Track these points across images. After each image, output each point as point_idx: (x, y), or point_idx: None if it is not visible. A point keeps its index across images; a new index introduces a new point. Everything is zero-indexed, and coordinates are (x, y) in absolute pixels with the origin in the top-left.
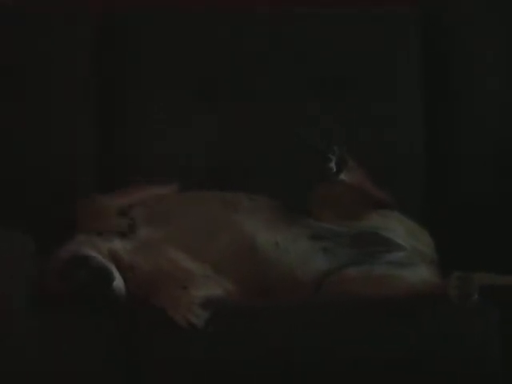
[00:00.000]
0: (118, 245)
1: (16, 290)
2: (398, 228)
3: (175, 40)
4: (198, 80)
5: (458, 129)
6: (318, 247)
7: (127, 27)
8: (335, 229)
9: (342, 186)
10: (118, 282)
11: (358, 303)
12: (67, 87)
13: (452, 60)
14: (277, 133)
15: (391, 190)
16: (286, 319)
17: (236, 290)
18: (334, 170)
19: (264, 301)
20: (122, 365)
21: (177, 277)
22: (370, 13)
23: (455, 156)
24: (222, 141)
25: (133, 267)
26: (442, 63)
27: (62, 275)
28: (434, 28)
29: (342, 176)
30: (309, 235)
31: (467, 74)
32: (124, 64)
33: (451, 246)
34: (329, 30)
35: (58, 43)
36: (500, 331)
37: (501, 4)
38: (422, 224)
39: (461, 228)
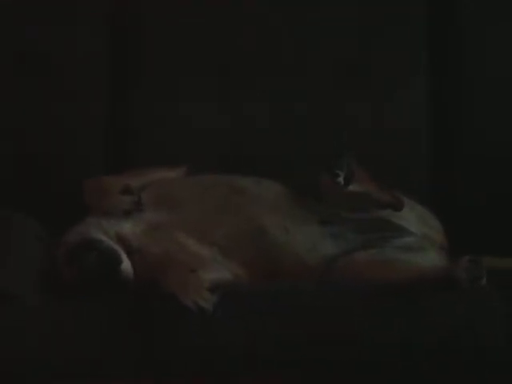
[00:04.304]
0: (127, 228)
1: (25, 275)
2: (409, 215)
3: (187, 27)
4: (211, 67)
5: (461, 117)
6: (327, 232)
7: (139, 14)
8: (344, 214)
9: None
10: (126, 265)
11: (367, 288)
12: (80, 74)
13: (455, 47)
14: (288, 121)
15: (395, 178)
16: (294, 303)
17: (244, 273)
18: (342, 183)
19: (272, 284)
20: (123, 354)
21: (185, 260)
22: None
23: (458, 144)
24: (234, 128)
25: (141, 250)
26: (446, 50)
27: (69, 258)
28: (441, 16)
29: (350, 188)
30: (318, 220)
31: (473, 61)
32: (137, 51)
33: (458, 231)
34: (338, 17)
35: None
36: (507, 317)
37: None
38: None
39: (462, 216)
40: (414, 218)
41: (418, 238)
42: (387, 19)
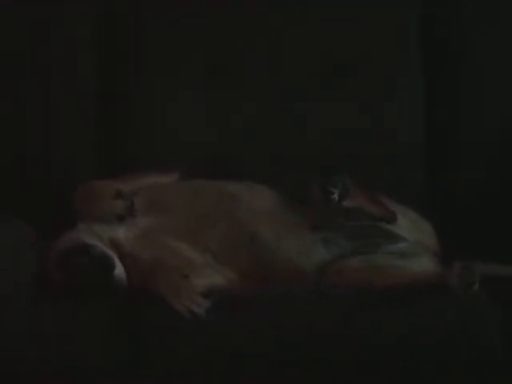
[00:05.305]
0: (119, 233)
1: (16, 280)
2: (403, 221)
3: (177, 25)
4: (201, 67)
5: (459, 116)
6: (319, 238)
7: (139, 15)
8: (336, 220)
9: None
10: (119, 271)
11: (359, 294)
12: (79, 74)
13: (452, 49)
14: (288, 121)
15: (391, 178)
16: (286, 308)
17: (236, 279)
18: (337, 200)
19: (264, 289)
20: (123, 354)
21: (178, 265)
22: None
23: (455, 143)
24: (224, 129)
25: (134, 256)
26: (442, 50)
27: (62, 264)
28: (434, 15)
29: (344, 203)
30: (310, 226)
31: (467, 62)
32: (126, 50)
33: (451, 233)
34: (328, 18)
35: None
36: (502, 322)
37: None
38: (422, 211)
39: (461, 216)
40: (408, 225)
41: (410, 243)
42: (387, 19)
